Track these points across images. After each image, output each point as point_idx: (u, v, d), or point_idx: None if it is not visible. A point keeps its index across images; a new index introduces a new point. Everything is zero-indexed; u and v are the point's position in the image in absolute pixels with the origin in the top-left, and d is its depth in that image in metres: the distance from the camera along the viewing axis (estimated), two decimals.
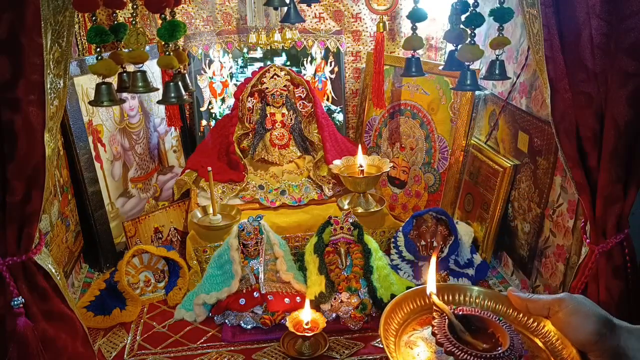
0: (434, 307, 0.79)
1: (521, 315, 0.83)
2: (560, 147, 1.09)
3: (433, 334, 0.75)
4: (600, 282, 1.08)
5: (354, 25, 2.11)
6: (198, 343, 1.40)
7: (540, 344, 0.79)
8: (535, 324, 0.81)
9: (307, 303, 1.38)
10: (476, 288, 0.88)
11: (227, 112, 2.05)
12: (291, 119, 1.89)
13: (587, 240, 1.12)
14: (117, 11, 1.39)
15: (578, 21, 0.98)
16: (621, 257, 1.07)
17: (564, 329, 0.76)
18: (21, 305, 1.04)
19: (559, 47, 1.02)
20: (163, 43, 1.19)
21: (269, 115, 1.87)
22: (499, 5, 1.24)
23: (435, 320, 0.76)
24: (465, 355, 0.70)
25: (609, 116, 0.98)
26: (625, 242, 1.07)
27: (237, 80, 2.07)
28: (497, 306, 0.85)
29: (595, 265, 1.09)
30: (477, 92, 1.75)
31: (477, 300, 0.86)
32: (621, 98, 0.96)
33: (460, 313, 0.79)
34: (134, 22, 1.17)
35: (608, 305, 1.06)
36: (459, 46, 1.31)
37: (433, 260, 0.87)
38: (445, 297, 0.86)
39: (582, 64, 1.00)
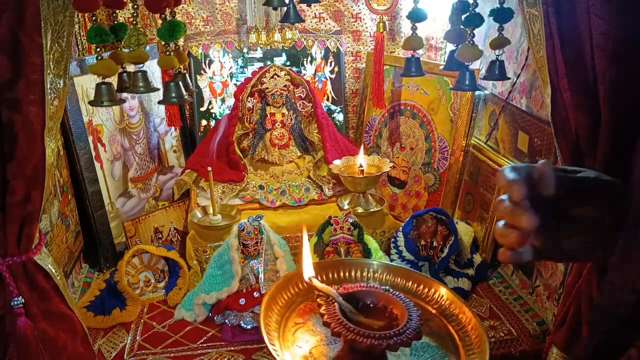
0: (317, 293, 0.68)
1: (410, 282, 0.76)
2: (557, 146, 1.09)
3: (325, 323, 0.64)
4: (593, 279, 1.08)
5: (354, 25, 2.11)
6: (198, 343, 1.40)
7: (433, 310, 0.73)
8: (426, 290, 0.75)
9: None
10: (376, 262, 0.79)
11: (227, 112, 2.05)
12: (291, 119, 1.89)
13: None
14: (117, 11, 1.39)
15: (578, 20, 0.98)
16: None
17: None
18: (21, 305, 1.05)
19: (559, 46, 1.02)
20: (163, 43, 1.20)
21: (269, 115, 1.87)
22: (499, 5, 1.24)
23: (323, 308, 0.65)
24: (372, 341, 0.60)
25: (606, 116, 0.98)
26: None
27: (237, 80, 2.07)
28: (390, 277, 0.78)
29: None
30: (477, 92, 1.75)
31: (376, 275, 0.78)
32: (619, 98, 0.96)
33: (345, 292, 0.68)
34: (134, 22, 1.17)
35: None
36: (459, 46, 1.31)
37: (305, 239, 0.74)
38: (338, 275, 0.76)
39: (581, 63, 1.00)
